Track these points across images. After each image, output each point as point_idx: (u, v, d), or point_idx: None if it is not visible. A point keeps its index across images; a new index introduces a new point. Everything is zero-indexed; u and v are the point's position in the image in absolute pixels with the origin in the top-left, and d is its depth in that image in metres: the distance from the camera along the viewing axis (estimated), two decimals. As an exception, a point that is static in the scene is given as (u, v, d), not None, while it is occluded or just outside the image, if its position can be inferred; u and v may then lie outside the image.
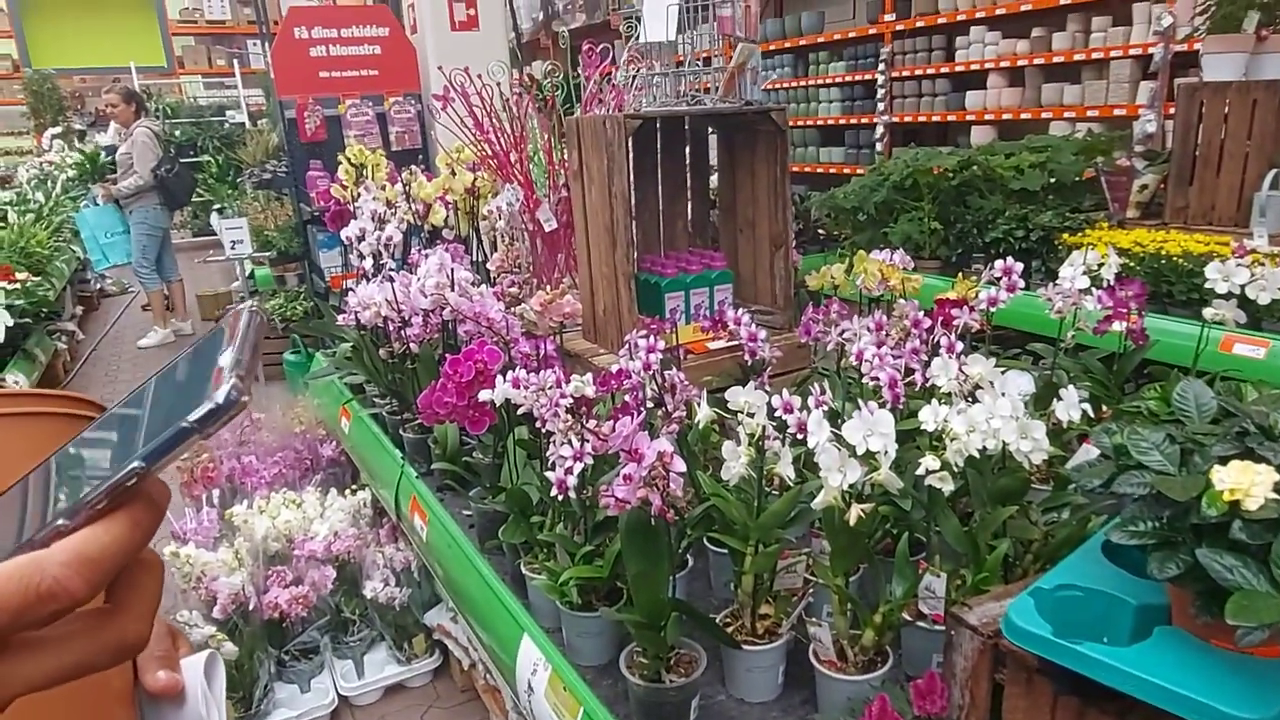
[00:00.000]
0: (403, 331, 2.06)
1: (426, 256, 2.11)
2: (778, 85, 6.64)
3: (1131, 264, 2.50)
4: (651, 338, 1.63)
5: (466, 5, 4.83)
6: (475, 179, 2.71)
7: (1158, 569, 0.85)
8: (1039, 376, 1.73)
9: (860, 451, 1.08)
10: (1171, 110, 2.82)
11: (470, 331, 1.88)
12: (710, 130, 2.25)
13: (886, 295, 1.98)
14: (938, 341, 1.59)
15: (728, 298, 2.09)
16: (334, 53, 4.65)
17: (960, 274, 2.03)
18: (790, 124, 6.62)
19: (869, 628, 1.17)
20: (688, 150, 2.24)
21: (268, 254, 5.28)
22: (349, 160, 2.86)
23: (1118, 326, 1.68)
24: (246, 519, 2.23)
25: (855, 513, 1.09)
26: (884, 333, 1.67)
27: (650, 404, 1.52)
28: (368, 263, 2.27)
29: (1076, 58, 4.54)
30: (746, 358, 1.76)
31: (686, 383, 1.50)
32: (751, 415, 1.22)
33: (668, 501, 1.09)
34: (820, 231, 4.88)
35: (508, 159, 2.51)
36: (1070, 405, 1.21)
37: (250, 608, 2.08)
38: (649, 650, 1.22)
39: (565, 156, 2.32)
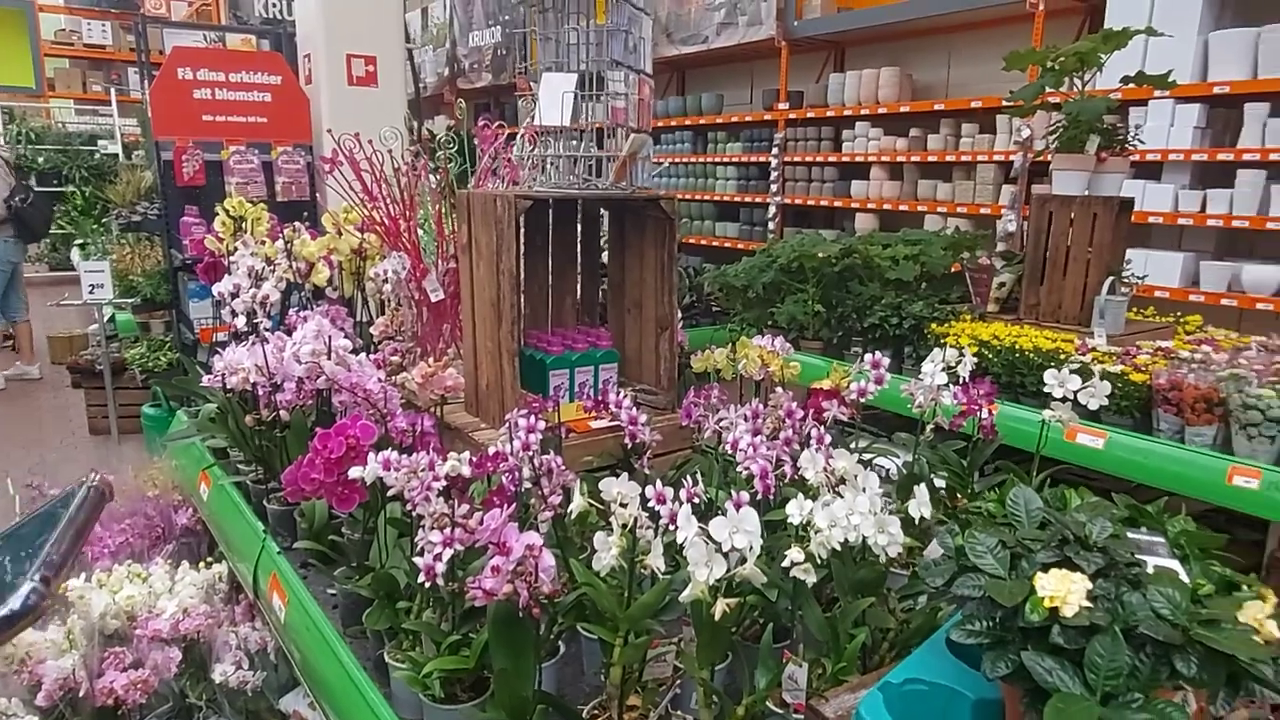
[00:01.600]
0: (273, 397, 1.98)
1: (304, 320, 2.04)
2: (677, 159, 6.88)
3: (989, 355, 2.69)
4: (532, 417, 1.63)
5: (365, 61, 4.81)
6: (362, 241, 2.67)
7: (990, 668, 0.90)
8: (903, 464, 1.82)
9: (725, 547, 1.11)
10: (1028, 213, 3.09)
11: (345, 401, 1.83)
12: (601, 210, 2.31)
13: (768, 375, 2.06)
14: (808, 433, 1.66)
15: (612, 377, 2.11)
16: (220, 96, 4.52)
17: (834, 364, 2.13)
18: (688, 198, 6.78)
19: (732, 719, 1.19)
20: (579, 229, 2.29)
21: (130, 300, 4.99)
22: (227, 212, 2.76)
23: (970, 420, 1.80)
24: (83, 594, 2.06)
25: (720, 608, 1.11)
26: (759, 420, 1.73)
27: (529, 484, 1.51)
28: (240, 321, 2.18)
29: (948, 158, 4.93)
30: (628, 440, 1.78)
31: (563, 468, 1.51)
32: (624, 505, 1.23)
33: (535, 596, 1.08)
34: (713, 305, 5.04)
35: (396, 226, 2.49)
36: (921, 504, 1.29)
37: (81, 694, 1.90)
38: (512, 747, 1.19)
39: (455, 228, 2.32)
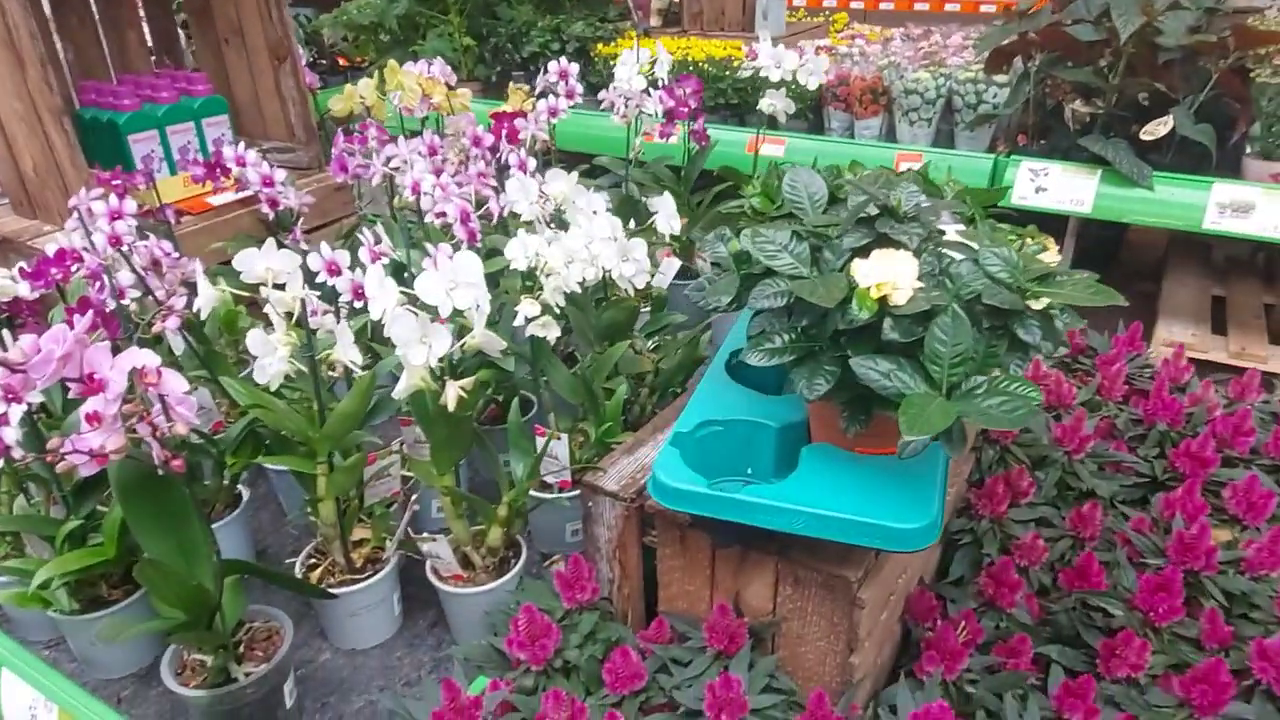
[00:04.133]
0: None
1: None
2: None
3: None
4: (113, 198, 1.12)
5: None
6: None
7: (806, 387, 0.74)
8: (612, 193, 1.59)
9: (445, 311, 0.80)
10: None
11: None
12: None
13: (431, 116, 1.66)
14: (505, 161, 1.34)
15: (225, 134, 1.57)
16: None
17: (513, 86, 1.78)
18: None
19: (493, 524, 0.95)
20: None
21: None
22: None
23: (680, 127, 1.59)
24: None
25: (454, 394, 0.82)
26: (439, 158, 1.37)
27: (135, 293, 1.04)
28: None
29: None
30: (266, 210, 1.32)
31: (177, 256, 1.05)
32: (281, 286, 0.86)
33: (170, 442, 0.70)
34: (340, 59, 4.23)
35: None
36: (668, 215, 1.06)
37: None
38: (204, 647, 0.86)
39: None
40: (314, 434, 0.89)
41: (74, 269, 0.97)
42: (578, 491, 0.98)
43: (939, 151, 1.99)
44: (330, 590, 0.94)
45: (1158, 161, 1.60)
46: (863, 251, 0.74)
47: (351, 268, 0.89)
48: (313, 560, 0.99)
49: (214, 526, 1.05)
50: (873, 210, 0.76)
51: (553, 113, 1.50)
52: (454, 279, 0.79)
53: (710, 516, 0.78)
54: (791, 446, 0.88)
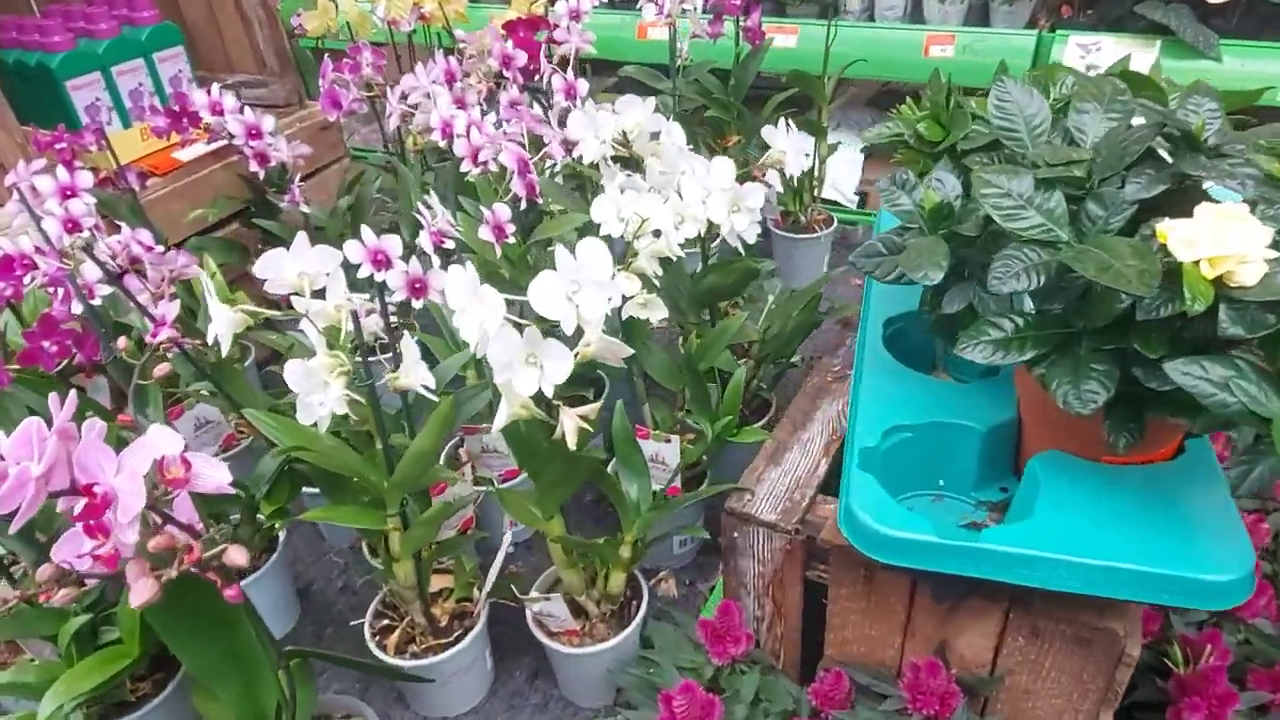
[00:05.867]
0: None
1: None
2: None
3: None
4: (60, 168, 0.87)
5: None
6: None
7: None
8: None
9: (569, 326, 0.58)
10: None
11: None
12: None
13: (418, 30, 1.37)
14: (547, 84, 1.08)
15: (183, 69, 1.28)
16: None
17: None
18: None
19: (616, 569, 0.76)
20: None
21: None
22: None
23: (730, 27, 1.33)
24: None
25: (573, 427, 0.61)
26: (459, 82, 1.11)
27: (100, 298, 0.80)
28: None
29: None
30: (254, 166, 1.06)
31: (162, 249, 0.81)
32: (321, 294, 0.63)
33: (211, 563, 0.49)
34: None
35: None
36: (798, 152, 0.82)
37: None
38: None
39: None
40: (379, 480, 0.68)
41: (27, 280, 0.73)
42: (688, 499, 0.79)
43: (974, 30, 1.73)
44: (419, 669, 0.75)
45: (1222, 28, 1.38)
46: (1154, 205, 0.52)
47: (413, 255, 0.67)
48: (386, 620, 0.79)
49: (251, 580, 0.85)
50: (1158, 145, 0.54)
51: (574, 15, 1.23)
52: (576, 279, 0.56)
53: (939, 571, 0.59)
54: (996, 450, 0.69)
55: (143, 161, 1.18)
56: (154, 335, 0.77)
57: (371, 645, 0.76)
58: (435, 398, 0.64)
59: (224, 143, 1.13)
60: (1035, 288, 0.53)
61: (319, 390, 0.61)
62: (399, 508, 0.70)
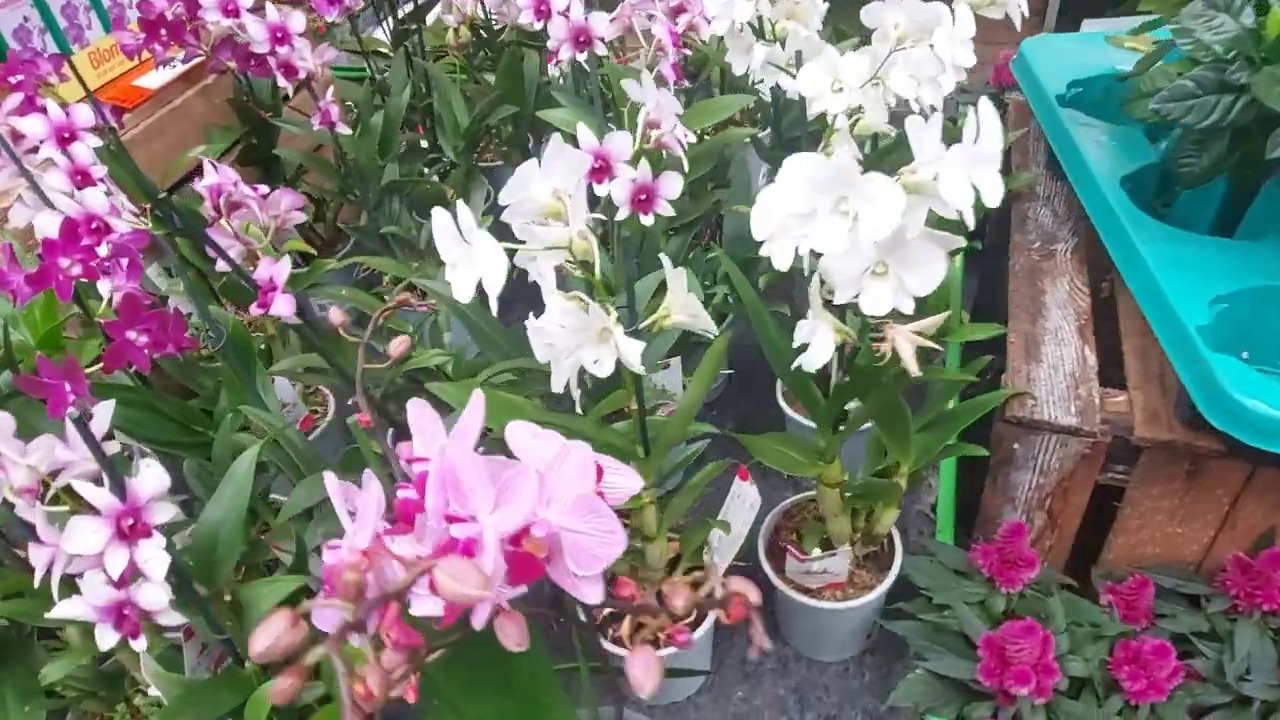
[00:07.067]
0: None
1: None
2: None
3: None
4: (57, 108, 0.65)
5: None
6: None
7: None
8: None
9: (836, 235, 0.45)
10: None
11: None
12: None
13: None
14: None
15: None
16: None
17: None
18: None
19: (889, 506, 0.65)
20: None
21: None
22: None
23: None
24: None
25: (909, 349, 0.49)
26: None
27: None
28: None
29: None
30: (282, 80, 0.84)
31: (262, 193, 0.63)
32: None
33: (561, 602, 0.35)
34: None
35: None
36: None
37: None
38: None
39: None
40: (634, 448, 0.54)
41: (100, 249, 0.52)
42: (963, 411, 0.67)
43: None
44: (664, 659, 0.63)
45: None
46: None
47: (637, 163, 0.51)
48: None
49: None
50: None
51: None
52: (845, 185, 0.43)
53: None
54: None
55: (100, 94, 0.93)
56: (262, 305, 0.59)
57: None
58: (715, 331, 0.51)
59: (199, 60, 0.90)
60: None
61: (591, 345, 0.47)
62: (654, 483, 0.56)
